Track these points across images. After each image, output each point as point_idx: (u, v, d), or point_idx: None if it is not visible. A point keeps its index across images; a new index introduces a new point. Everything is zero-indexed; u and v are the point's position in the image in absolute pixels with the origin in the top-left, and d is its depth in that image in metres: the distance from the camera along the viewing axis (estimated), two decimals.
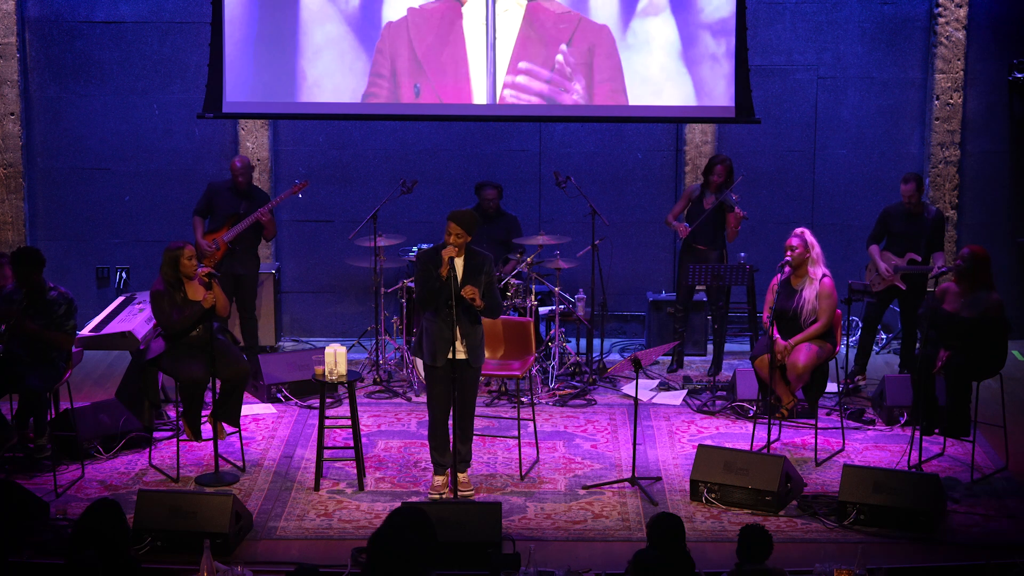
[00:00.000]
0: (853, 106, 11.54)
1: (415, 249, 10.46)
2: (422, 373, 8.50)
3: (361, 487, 8.37)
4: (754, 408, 9.43)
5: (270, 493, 8.31)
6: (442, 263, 7.91)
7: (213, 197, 10.57)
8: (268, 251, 11.52)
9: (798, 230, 9.00)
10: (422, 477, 8.56)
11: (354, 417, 8.38)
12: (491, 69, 10.59)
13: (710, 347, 10.91)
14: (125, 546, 5.78)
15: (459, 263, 8.01)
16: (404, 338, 10.49)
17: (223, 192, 10.55)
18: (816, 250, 8.95)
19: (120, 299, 10.68)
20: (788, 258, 8.87)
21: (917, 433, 8.56)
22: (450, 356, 7.97)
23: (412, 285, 10.03)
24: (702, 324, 11.11)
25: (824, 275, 8.91)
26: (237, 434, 8.74)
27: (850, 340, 10.61)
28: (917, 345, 9.33)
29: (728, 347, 10.95)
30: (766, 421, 8.95)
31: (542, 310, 10.70)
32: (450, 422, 8.21)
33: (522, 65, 10.61)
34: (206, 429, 8.90)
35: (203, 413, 9.03)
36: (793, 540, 7.67)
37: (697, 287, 10.78)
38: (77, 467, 8.56)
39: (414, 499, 8.10)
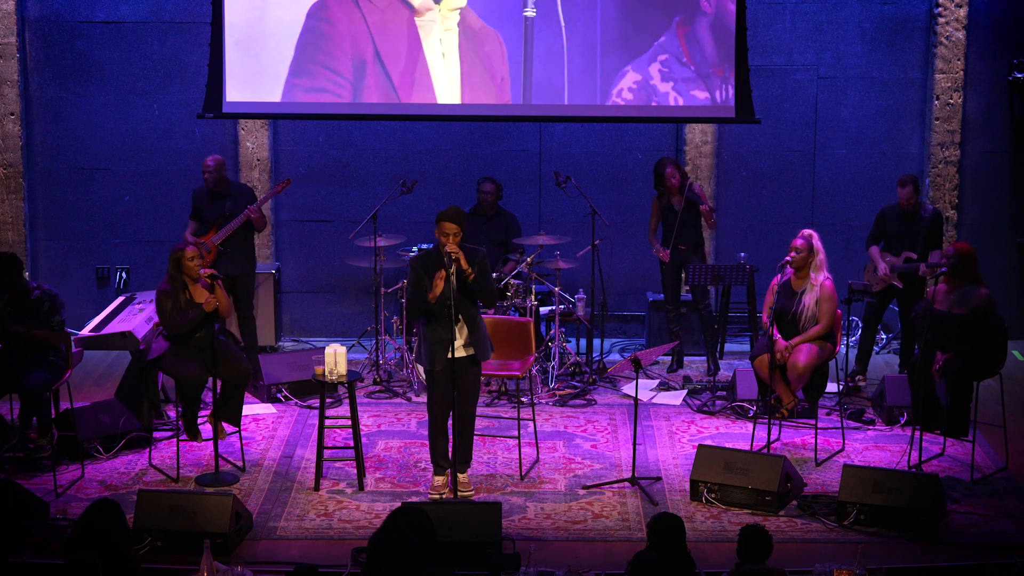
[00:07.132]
0: (853, 106, 11.54)
1: (415, 249, 10.46)
2: (423, 375, 8.49)
3: (361, 487, 8.37)
4: (754, 408, 9.43)
5: (270, 493, 8.31)
6: (437, 268, 7.90)
7: (198, 203, 10.54)
8: (268, 251, 11.52)
9: (806, 232, 8.94)
10: (422, 477, 8.56)
11: (354, 417, 8.38)
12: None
13: None
14: (125, 546, 5.79)
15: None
16: (404, 338, 10.49)
17: (205, 196, 10.51)
18: (821, 256, 8.88)
19: (120, 299, 10.69)
20: (789, 258, 8.85)
21: (917, 433, 8.56)
22: (449, 356, 7.97)
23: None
24: (701, 324, 11.09)
25: (825, 278, 8.88)
26: (237, 434, 8.75)
27: (850, 340, 10.60)
28: (916, 350, 9.32)
29: (728, 347, 10.94)
30: (766, 421, 8.94)
31: (542, 310, 10.69)
32: (449, 422, 8.21)
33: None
34: (206, 429, 8.90)
35: (202, 413, 9.05)
36: (793, 540, 7.67)
37: (683, 287, 10.77)
38: (77, 467, 8.55)
39: (414, 499, 8.10)
